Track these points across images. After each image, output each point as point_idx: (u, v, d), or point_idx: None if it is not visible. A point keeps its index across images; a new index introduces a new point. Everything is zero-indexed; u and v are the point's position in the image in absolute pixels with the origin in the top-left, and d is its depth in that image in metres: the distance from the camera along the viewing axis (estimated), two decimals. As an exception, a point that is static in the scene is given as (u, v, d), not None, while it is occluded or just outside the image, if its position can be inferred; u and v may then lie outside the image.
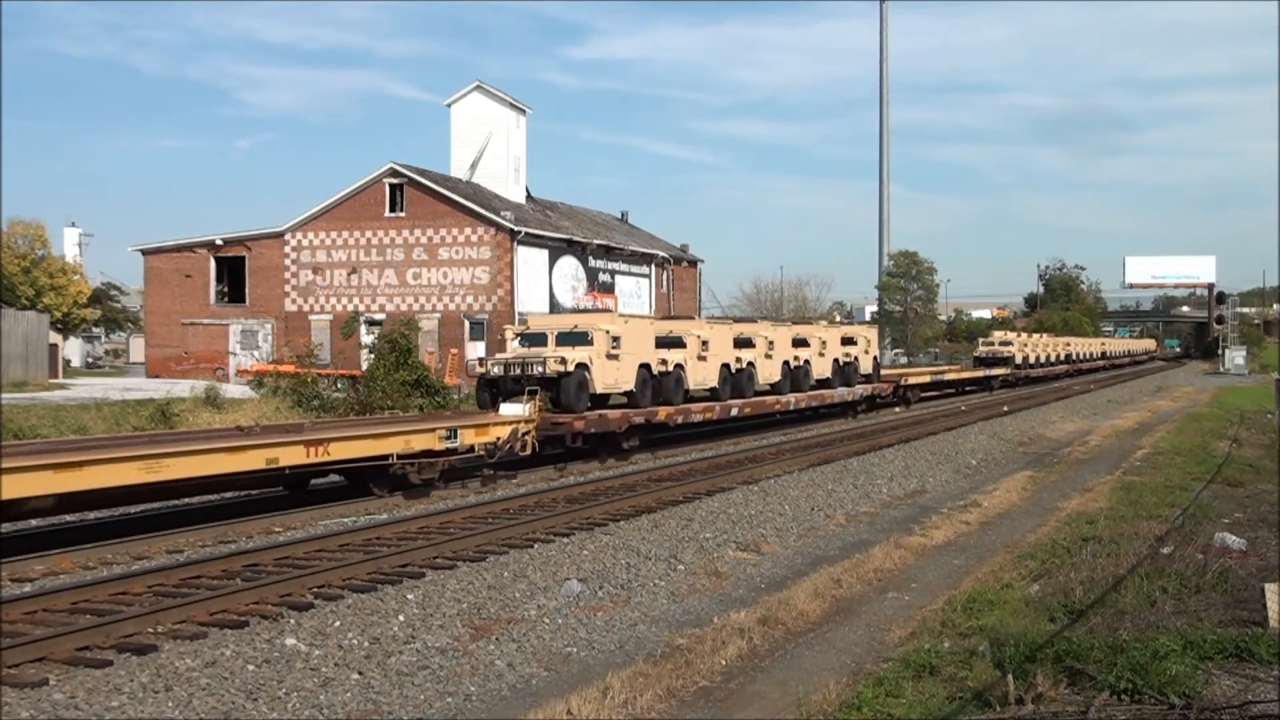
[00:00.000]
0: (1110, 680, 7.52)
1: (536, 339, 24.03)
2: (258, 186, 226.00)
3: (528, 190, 54.83)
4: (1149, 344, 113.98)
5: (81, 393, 37.34)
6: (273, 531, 15.44)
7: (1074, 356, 74.00)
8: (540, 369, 21.97)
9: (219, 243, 52.15)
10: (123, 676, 8.52)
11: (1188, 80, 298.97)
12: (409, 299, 48.84)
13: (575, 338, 23.51)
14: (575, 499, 17.45)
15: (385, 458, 17.41)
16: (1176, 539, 13.08)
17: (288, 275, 50.72)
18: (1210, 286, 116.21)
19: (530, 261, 48.88)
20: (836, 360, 35.64)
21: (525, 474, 21.00)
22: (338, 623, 10.18)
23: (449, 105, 52.71)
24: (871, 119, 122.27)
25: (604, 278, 54.52)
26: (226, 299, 52.70)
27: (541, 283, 49.42)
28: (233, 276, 52.46)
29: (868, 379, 38.07)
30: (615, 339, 23.60)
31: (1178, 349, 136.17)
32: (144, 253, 53.68)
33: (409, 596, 11.14)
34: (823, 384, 34.72)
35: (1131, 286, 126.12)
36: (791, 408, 32.46)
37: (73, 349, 76.26)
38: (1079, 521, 15.24)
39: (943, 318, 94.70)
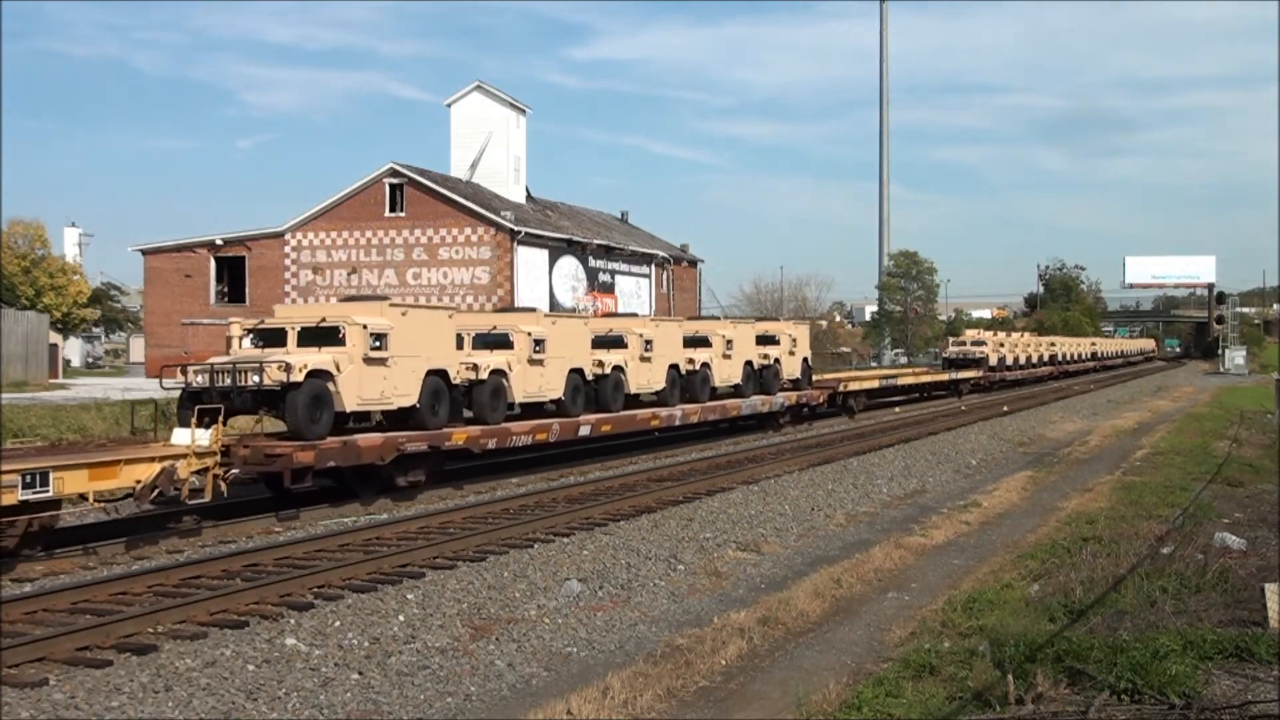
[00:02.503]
0: (1110, 680, 7.52)
1: (273, 337, 17.68)
2: (258, 186, 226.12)
3: (528, 190, 54.82)
4: (1146, 344, 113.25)
5: (81, 393, 37.34)
6: (272, 531, 15.44)
7: (1060, 358, 68.59)
8: (256, 378, 15.95)
9: (219, 243, 52.12)
10: (123, 676, 8.53)
11: (1188, 80, 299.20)
12: (409, 299, 48.82)
13: (323, 335, 17.29)
14: (575, 499, 17.45)
15: None
16: (1176, 539, 13.08)
17: (288, 275, 50.71)
18: (1210, 286, 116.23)
19: (530, 261, 48.87)
20: (749, 363, 30.06)
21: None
22: (338, 623, 10.18)
23: (449, 105, 52.70)
24: (872, 119, 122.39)
25: (604, 278, 54.51)
26: (226, 299, 52.65)
27: (541, 283, 49.41)
28: (233, 276, 52.43)
29: (795, 385, 32.71)
30: (378, 338, 17.35)
31: (1178, 349, 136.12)
32: (144, 253, 53.64)
33: (409, 596, 11.14)
34: (731, 391, 29.45)
35: (1131, 286, 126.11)
36: (677, 422, 26.34)
37: (73, 349, 76.23)
38: (1079, 521, 15.24)
39: (943, 318, 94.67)
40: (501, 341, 21.25)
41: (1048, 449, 27.69)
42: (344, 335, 17.13)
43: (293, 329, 17.48)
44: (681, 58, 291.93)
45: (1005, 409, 39.02)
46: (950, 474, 22.66)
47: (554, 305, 48.84)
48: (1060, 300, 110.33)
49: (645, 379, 25.28)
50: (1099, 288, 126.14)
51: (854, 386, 37.96)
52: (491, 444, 19.76)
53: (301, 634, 9.79)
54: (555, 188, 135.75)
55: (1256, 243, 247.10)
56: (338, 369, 16.81)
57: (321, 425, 16.43)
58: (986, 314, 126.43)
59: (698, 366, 27.39)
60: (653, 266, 59.79)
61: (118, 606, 10.48)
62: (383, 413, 18.72)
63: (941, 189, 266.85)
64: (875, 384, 40.85)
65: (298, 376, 16.10)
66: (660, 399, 26.07)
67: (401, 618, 10.45)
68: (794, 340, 32.98)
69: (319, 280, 50.49)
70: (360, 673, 8.98)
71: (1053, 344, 68.86)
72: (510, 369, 20.78)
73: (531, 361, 21.29)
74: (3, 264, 64.62)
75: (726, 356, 28.95)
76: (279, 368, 16.00)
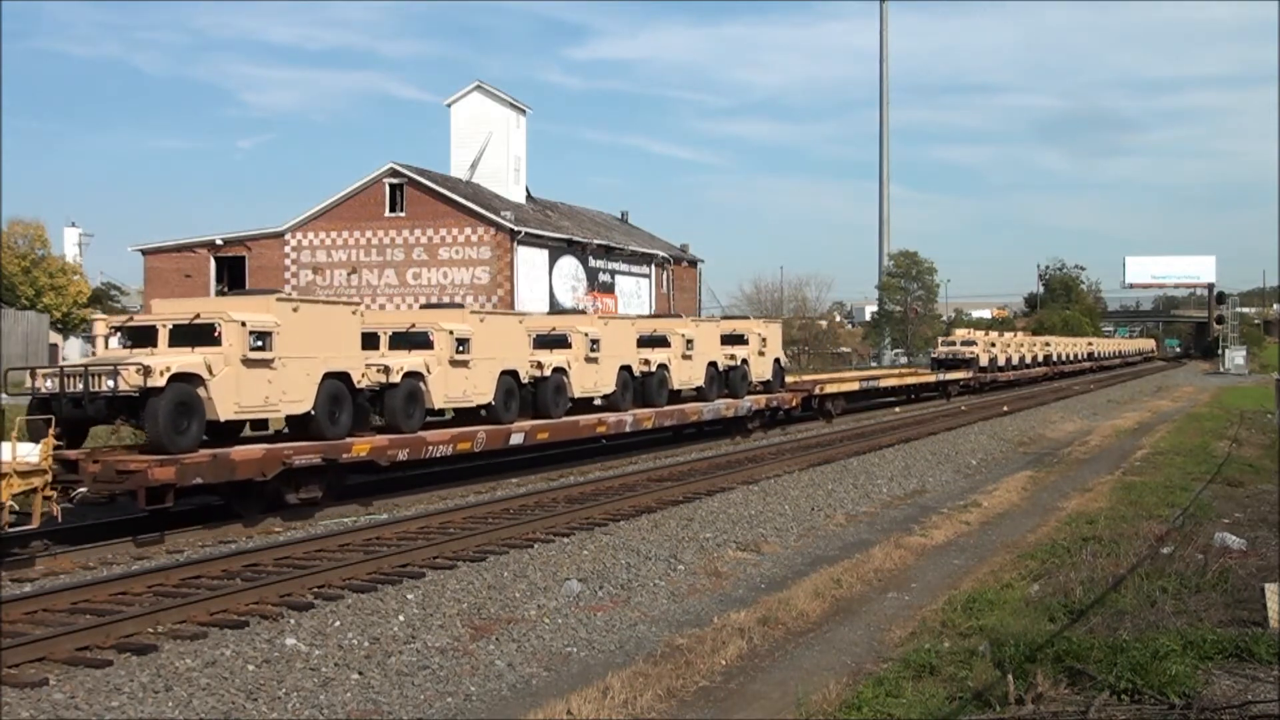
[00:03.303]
0: (1110, 680, 7.52)
1: (142, 336, 15.85)
2: (259, 186, 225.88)
3: (528, 190, 54.83)
4: (1144, 344, 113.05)
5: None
6: (272, 532, 15.44)
7: (1055, 358, 66.85)
8: (111, 383, 14.24)
9: (219, 243, 52.14)
10: (123, 676, 8.53)
11: (1188, 80, 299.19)
12: (409, 299, 48.83)
13: (197, 334, 15.43)
14: (575, 499, 17.44)
15: None
16: (1176, 539, 13.09)
17: (288, 275, 50.71)
18: (1210, 286, 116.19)
19: (530, 261, 48.87)
20: (713, 365, 27.96)
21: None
22: (338, 623, 10.18)
23: (449, 105, 52.71)
24: (872, 119, 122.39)
25: (604, 278, 54.51)
26: (227, 299, 52.69)
27: (541, 282, 49.41)
28: (233, 276, 52.44)
29: (767, 387, 30.93)
30: (261, 336, 15.52)
31: (1178, 349, 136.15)
32: (144, 253, 53.67)
33: (409, 596, 11.15)
34: (694, 395, 27.41)
35: (1131, 286, 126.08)
36: (628, 429, 24.26)
37: (73, 349, 76.18)
38: (1079, 521, 15.25)
39: (943, 318, 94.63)
40: (420, 341, 19.33)
41: (1048, 449, 27.69)
42: (220, 334, 15.22)
43: (164, 327, 15.65)
44: (681, 58, 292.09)
45: (1005, 409, 39.02)
46: (950, 474, 22.67)
47: (554, 305, 48.85)
48: (1060, 300, 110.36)
49: (592, 381, 23.37)
50: (1099, 288, 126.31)
51: (831, 389, 35.87)
52: (403, 455, 17.73)
53: (301, 634, 9.79)
54: (555, 188, 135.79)
55: (1256, 243, 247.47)
56: (210, 372, 14.87)
57: (188, 436, 14.50)
58: (986, 314, 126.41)
59: (654, 368, 25.38)
60: (653, 266, 59.79)
61: (118, 606, 10.48)
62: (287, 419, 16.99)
63: (941, 189, 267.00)
64: (855, 386, 38.59)
65: (159, 381, 14.15)
66: (610, 403, 24.14)
67: (401, 618, 10.46)
68: (764, 340, 30.99)
69: (319, 280, 50.50)
70: (360, 673, 8.99)
71: (1047, 344, 67.34)
72: (429, 371, 18.85)
73: (455, 363, 19.32)
74: (3, 264, 64.63)
75: (687, 357, 26.86)
76: (137, 371, 14.08)
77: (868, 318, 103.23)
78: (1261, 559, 11.99)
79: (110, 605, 10.57)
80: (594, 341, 23.34)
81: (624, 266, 56.76)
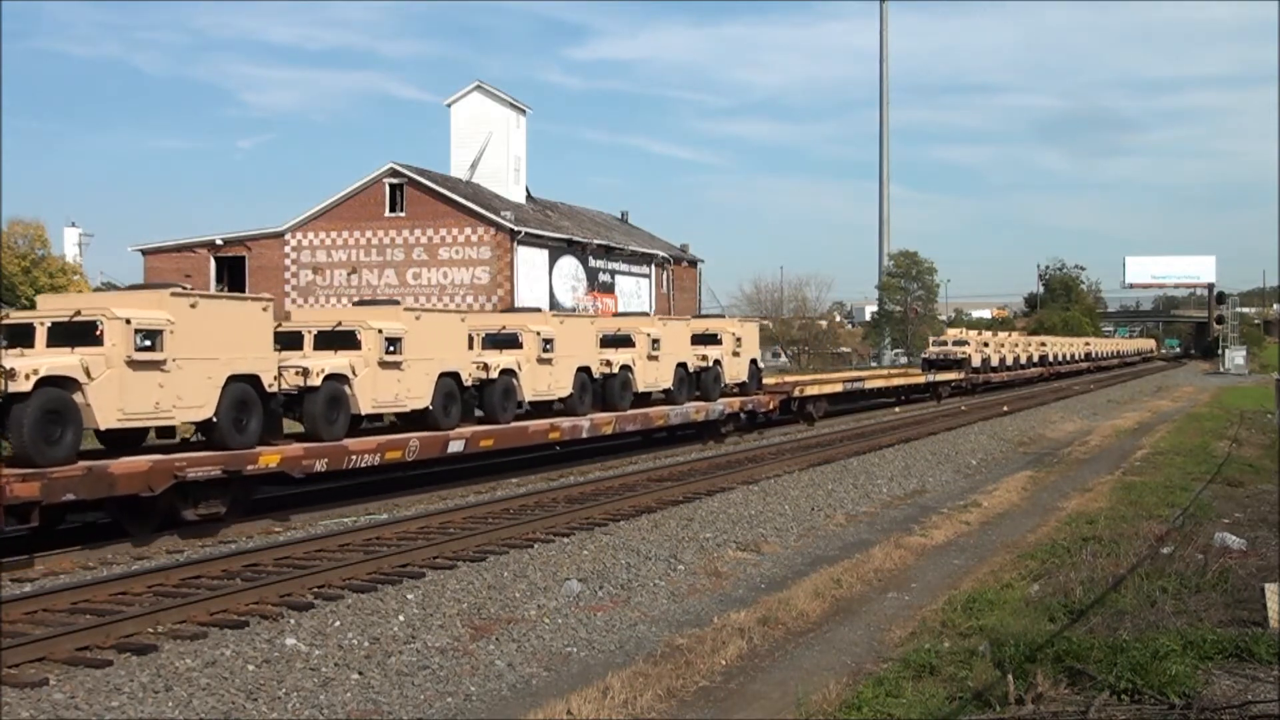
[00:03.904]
0: (1110, 680, 7.52)
1: (18, 335, 14.44)
2: (258, 186, 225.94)
3: (528, 190, 54.82)
4: (1143, 344, 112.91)
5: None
6: (272, 532, 15.44)
7: (1050, 359, 65.53)
8: None
9: (219, 243, 52.13)
10: (123, 676, 8.53)
11: (1188, 80, 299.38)
12: (409, 299, 48.83)
13: (77, 332, 14.08)
14: (575, 499, 17.44)
15: None
16: (1176, 539, 13.09)
17: (288, 275, 50.71)
18: (1210, 286, 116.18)
19: (530, 261, 48.86)
20: (683, 366, 26.58)
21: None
22: (338, 623, 10.18)
23: (449, 105, 52.71)
24: (872, 119, 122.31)
25: (604, 278, 54.50)
26: (227, 299, 52.70)
27: (541, 282, 49.40)
28: (233, 276, 52.43)
29: (742, 389, 29.53)
30: (149, 335, 14.18)
31: (1178, 349, 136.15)
32: (144, 253, 53.66)
33: (409, 596, 11.15)
34: (662, 398, 26.04)
35: (1131, 286, 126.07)
36: (585, 434, 22.75)
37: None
38: (1079, 521, 15.25)
39: (943, 318, 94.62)
40: (347, 340, 18.00)
41: (1048, 449, 27.69)
42: (101, 332, 13.86)
43: (42, 325, 14.29)
44: (682, 58, 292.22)
45: (1005, 409, 39.03)
46: (950, 474, 22.67)
47: (554, 305, 48.84)
48: (1060, 300, 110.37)
49: (545, 384, 21.92)
50: (1099, 288, 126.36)
51: (812, 391, 34.22)
52: (321, 465, 16.28)
53: (301, 634, 9.79)
54: (555, 188, 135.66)
55: (1256, 243, 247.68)
56: (88, 375, 13.45)
57: (62, 447, 13.09)
58: (987, 314, 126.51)
59: (616, 369, 23.94)
60: (653, 266, 59.78)
61: (118, 606, 10.48)
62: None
63: (941, 189, 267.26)
64: (838, 388, 36.78)
65: (23, 385, 12.77)
66: (568, 407, 22.68)
67: (401, 618, 10.46)
68: (738, 340, 29.40)
69: (319, 280, 50.52)
70: (360, 673, 8.99)
71: (1043, 344, 66.11)
72: (355, 373, 17.45)
73: (386, 364, 18.00)
74: (3, 264, 64.64)
75: (653, 358, 25.38)
76: None
77: (868, 318, 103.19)
78: (1261, 559, 11.99)
79: (110, 605, 10.57)
80: (547, 341, 21.88)
81: (624, 266, 56.76)
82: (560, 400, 22.67)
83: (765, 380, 32.68)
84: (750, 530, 15.50)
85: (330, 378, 16.99)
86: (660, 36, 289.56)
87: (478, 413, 21.04)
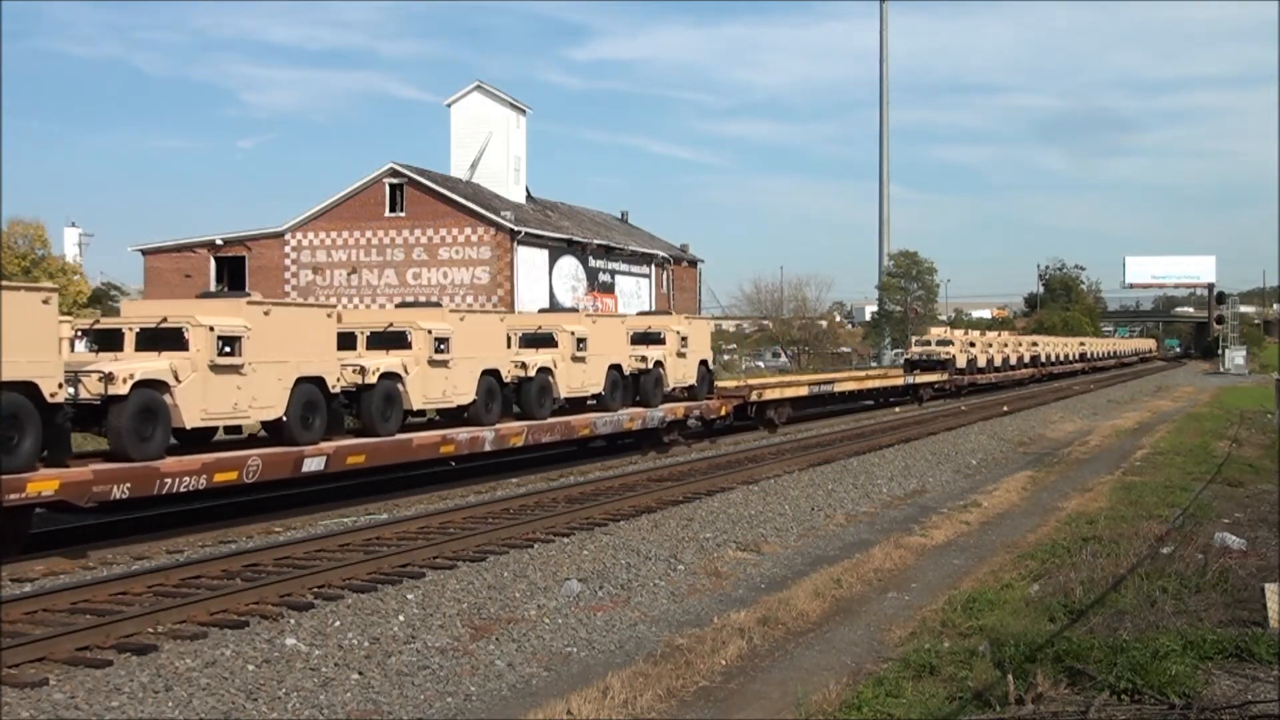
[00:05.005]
0: (1110, 680, 7.52)
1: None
2: (258, 186, 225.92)
3: (528, 190, 54.82)
4: (1142, 344, 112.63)
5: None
6: (273, 531, 15.43)
7: (1043, 359, 63.47)
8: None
9: (219, 243, 52.13)
10: (123, 676, 8.52)
11: (1188, 80, 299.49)
12: (409, 299, 48.84)
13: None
14: (575, 499, 17.43)
15: None
16: (1176, 539, 13.09)
17: (288, 275, 50.71)
18: (1210, 286, 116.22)
19: (530, 261, 48.87)
20: (617, 368, 23.64)
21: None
22: (338, 623, 10.18)
23: (449, 105, 52.71)
24: (872, 119, 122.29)
25: (604, 278, 54.50)
26: (227, 299, 52.67)
27: (541, 282, 49.41)
28: (233, 276, 52.43)
29: (691, 393, 26.65)
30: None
31: (1178, 349, 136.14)
32: (144, 253, 53.68)
33: (409, 596, 11.15)
34: (592, 404, 23.38)
35: (1131, 286, 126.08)
36: (488, 447, 19.73)
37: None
38: (1079, 521, 15.25)
39: (943, 318, 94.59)
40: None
41: (1048, 449, 27.69)
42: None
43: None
44: (682, 58, 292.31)
45: (1005, 409, 39.02)
46: (950, 474, 22.67)
47: (554, 305, 48.86)
48: (1060, 300, 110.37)
49: (440, 390, 18.88)
50: (1099, 288, 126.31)
51: (772, 395, 30.87)
52: (123, 492, 13.22)
53: (301, 634, 9.79)
54: (555, 188, 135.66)
55: (1256, 243, 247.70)
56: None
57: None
58: (987, 314, 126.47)
59: (533, 372, 21.03)
60: (653, 266, 59.79)
61: (118, 606, 10.47)
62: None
63: (941, 189, 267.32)
64: (804, 391, 33.48)
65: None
66: (472, 415, 19.72)
67: (401, 618, 10.46)
68: (684, 339, 26.44)
69: (319, 280, 50.52)
70: (360, 673, 8.99)
71: (1035, 344, 63.89)
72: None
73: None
74: (3, 264, 64.62)
75: (579, 359, 22.52)
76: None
77: (868, 318, 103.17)
78: (1261, 559, 11.99)
79: (110, 605, 10.57)
80: (442, 341, 18.85)
81: (624, 266, 56.76)
82: (463, 408, 19.74)
83: (725, 383, 30.99)
84: (750, 530, 15.50)
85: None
86: (660, 36, 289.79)
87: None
